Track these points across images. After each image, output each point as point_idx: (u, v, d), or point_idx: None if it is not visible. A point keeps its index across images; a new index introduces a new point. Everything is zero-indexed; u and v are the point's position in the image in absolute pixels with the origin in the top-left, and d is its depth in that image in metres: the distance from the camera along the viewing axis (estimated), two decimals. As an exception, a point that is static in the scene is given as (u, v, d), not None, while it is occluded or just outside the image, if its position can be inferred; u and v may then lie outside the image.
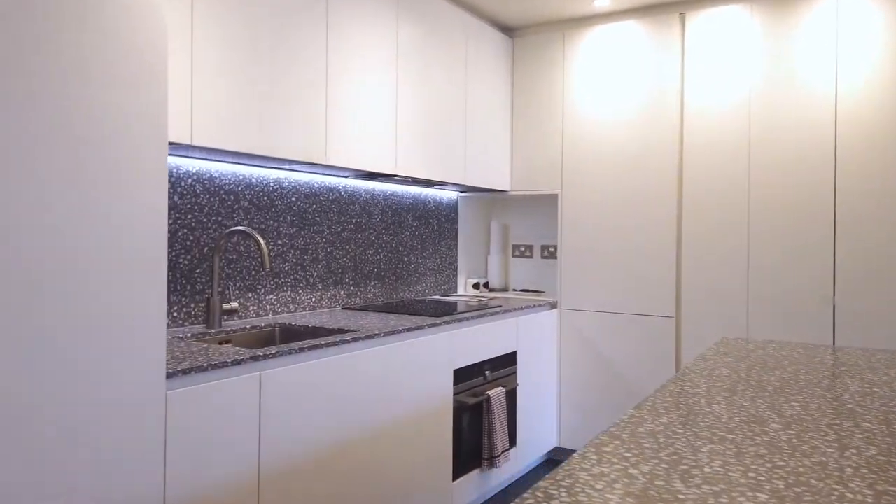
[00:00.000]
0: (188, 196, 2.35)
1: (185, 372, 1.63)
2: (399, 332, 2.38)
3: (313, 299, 2.87)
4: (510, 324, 3.13)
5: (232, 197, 2.51)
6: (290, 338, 2.49)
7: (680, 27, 3.31)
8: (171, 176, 2.28)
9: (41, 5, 1.32)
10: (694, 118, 3.26)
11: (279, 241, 2.71)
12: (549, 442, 3.53)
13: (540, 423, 3.43)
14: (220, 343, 2.28)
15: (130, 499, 1.48)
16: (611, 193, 3.47)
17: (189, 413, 1.64)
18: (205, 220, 2.41)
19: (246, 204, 2.57)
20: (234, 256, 2.52)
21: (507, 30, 3.83)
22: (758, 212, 3.11)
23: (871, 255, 2.87)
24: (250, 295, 2.58)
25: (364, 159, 2.70)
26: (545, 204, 3.94)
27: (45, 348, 1.33)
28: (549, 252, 3.91)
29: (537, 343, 3.39)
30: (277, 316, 2.68)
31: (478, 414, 2.88)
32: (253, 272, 2.59)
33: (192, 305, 2.36)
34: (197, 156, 2.31)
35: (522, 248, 3.99)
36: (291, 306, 2.77)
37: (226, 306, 2.44)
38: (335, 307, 2.99)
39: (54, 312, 1.34)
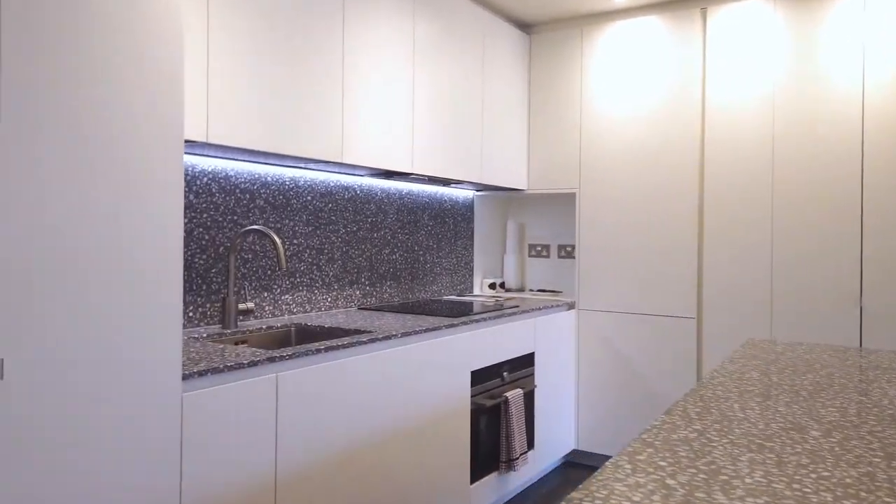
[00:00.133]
0: (203, 195, 2.33)
1: (201, 374, 1.60)
2: (416, 332, 2.34)
3: (329, 299, 2.84)
4: (528, 324, 3.08)
5: (247, 196, 2.48)
6: (307, 338, 2.46)
7: (701, 22, 3.24)
8: (186, 175, 2.26)
9: (58, 5, 1.29)
10: (716, 113, 3.20)
11: (295, 241, 2.69)
12: (567, 444, 3.48)
13: (558, 425, 3.38)
14: (236, 343, 2.25)
15: (146, 502, 1.45)
16: (630, 191, 3.42)
17: (205, 415, 1.61)
18: (220, 219, 2.39)
19: (261, 203, 2.54)
20: (250, 256, 2.49)
21: (524, 26, 3.78)
22: (781, 208, 3.04)
23: (899, 255, 2.79)
24: (266, 295, 2.55)
25: (380, 157, 2.66)
26: (562, 203, 3.89)
27: (59, 350, 1.30)
28: (566, 252, 3.85)
29: (555, 344, 3.34)
30: (293, 316, 2.65)
31: (495, 416, 2.84)
32: (269, 272, 2.57)
33: (208, 305, 2.34)
34: (212, 154, 2.29)
35: (539, 248, 3.94)
36: (307, 306, 2.74)
37: (241, 306, 2.42)
38: (351, 307, 2.96)
39: (69, 313, 1.32)
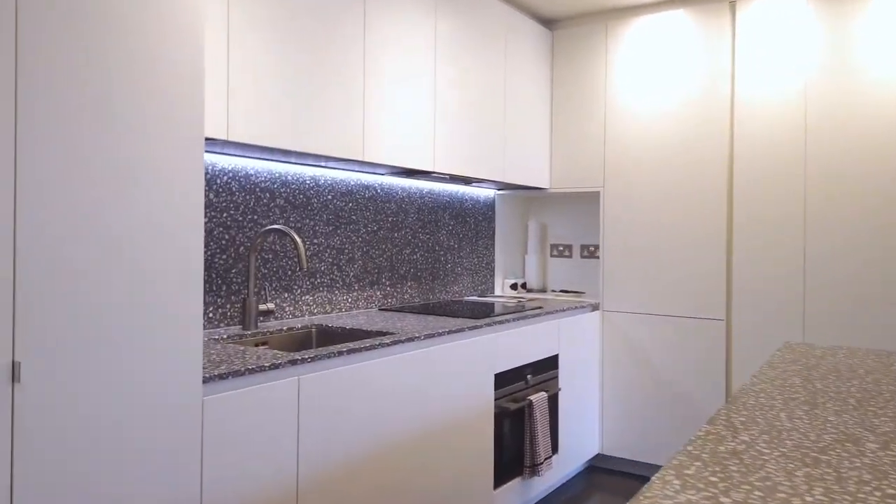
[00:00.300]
0: (224, 194, 2.29)
1: (222, 377, 1.56)
2: (439, 334, 2.29)
3: (349, 300, 2.80)
4: (552, 326, 3.02)
5: (268, 195, 2.45)
6: (327, 340, 2.42)
7: (730, 16, 3.15)
8: (206, 173, 2.22)
9: (79, 3, 1.26)
10: (745, 109, 3.11)
11: (315, 241, 2.65)
12: (592, 448, 3.41)
13: (582, 428, 3.31)
14: (257, 345, 2.21)
15: (166, 510, 1.41)
16: (656, 189, 3.34)
17: (226, 419, 1.57)
18: (240, 218, 2.35)
19: (282, 202, 2.50)
20: (270, 256, 2.46)
21: (547, 22, 3.71)
22: (815, 204, 2.94)
23: (939, 255, 2.69)
24: (286, 295, 2.51)
25: (401, 156, 2.61)
26: (585, 202, 3.81)
27: (77, 353, 1.27)
28: (589, 251, 3.78)
29: (579, 346, 3.27)
30: (314, 317, 2.61)
31: (519, 420, 2.78)
32: (289, 272, 2.53)
33: (228, 306, 2.30)
34: (232, 152, 2.25)
35: (561, 248, 3.87)
36: (328, 307, 2.70)
37: (262, 307, 2.38)
38: (372, 308, 2.91)
39: (88, 316, 1.28)
